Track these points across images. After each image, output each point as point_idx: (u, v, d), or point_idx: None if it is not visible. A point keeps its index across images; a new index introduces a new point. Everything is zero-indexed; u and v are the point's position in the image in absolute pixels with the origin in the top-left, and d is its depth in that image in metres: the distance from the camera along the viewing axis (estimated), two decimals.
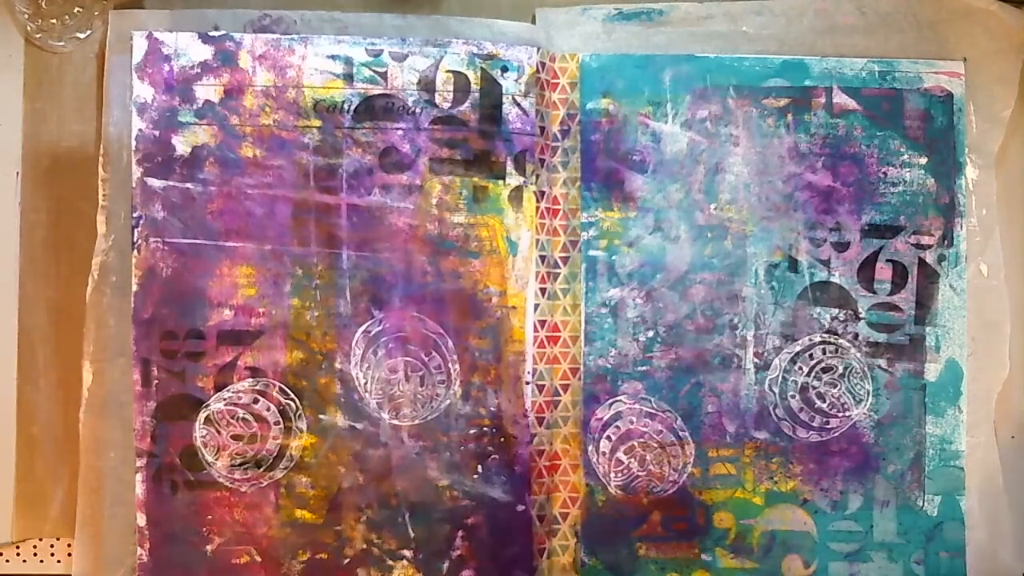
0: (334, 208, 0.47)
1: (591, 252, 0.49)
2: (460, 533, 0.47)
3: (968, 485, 0.49)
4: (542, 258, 0.48)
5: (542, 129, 0.48)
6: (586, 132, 0.49)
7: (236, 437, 0.47)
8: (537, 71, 0.48)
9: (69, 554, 0.50)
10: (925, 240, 0.49)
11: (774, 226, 0.49)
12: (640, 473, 0.48)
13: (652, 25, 0.50)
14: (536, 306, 0.48)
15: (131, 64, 0.47)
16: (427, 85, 0.47)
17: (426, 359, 0.47)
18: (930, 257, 0.49)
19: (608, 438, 0.48)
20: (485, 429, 0.47)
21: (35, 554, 0.50)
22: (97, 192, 0.48)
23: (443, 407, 0.47)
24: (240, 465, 0.47)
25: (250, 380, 0.47)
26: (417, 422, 0.47)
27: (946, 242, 0.49)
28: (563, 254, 0.49)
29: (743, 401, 0.49)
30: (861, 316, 0.49)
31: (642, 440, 0.48)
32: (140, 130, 0.47)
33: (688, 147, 0.49)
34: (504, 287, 0.47)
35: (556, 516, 0.48)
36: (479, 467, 0.47)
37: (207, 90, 0.47)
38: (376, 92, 0.47)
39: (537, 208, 0.48)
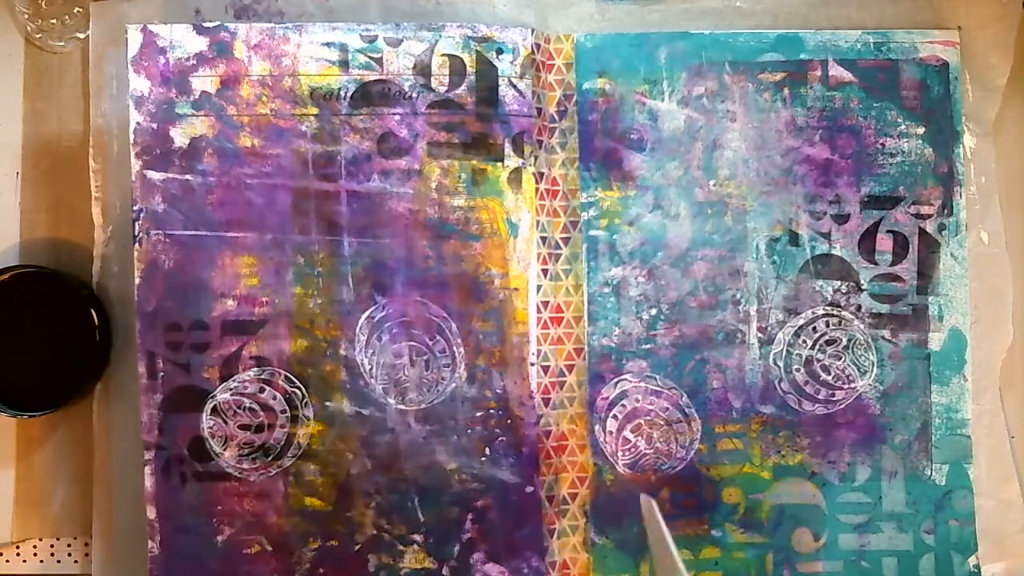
0: (334, 195, 0.47)
1: (592, 232, 0.49)
2: (470, 516, 0.47)
3: (976, 453, 0.49)
4: (543, 239, 0.48)
5: (539, 110, 0.48)
6: (583, 112, 0.49)
7: (243, 427, 0.47)
8: (532, 52, 0.48)
9: (69, 554, 0.50)
10: (925, 210, 0.49)
11: (774, 200, 0.49)
12: (647, 451, 0.48)
13: (646, 3, 0.50)
14: (539, 287, 0.48)
15: (126, 57, 0.47)
16: (423, 69, 0.47)
17: (430, 343, 0.47)
18: (930, 227, 0.49)
19: (614, 417, 0.48)
20: (492, 411, 0.47)
21: (35, 554, 0.50)
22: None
23: (449, 391, 0.47)
24: (248, 455, 0.47)
25: (255, 369, 0.47)
26: (423, 406, 0.47)
27: (946, 211, 0.49)
28: (564, 235, 0.49)
29: (748, 376, 0.49)
30: (863, 288, 0.49)
31: (648, 418, 0.48)
32: (138, 123, 0.47)
33: (685, 124, 0.49)
34: (506, 269, 0.47)
35: (565, 496, 0.48)
36: (487, 450, 0.47)
37: (203, 81, 0.47)
38: (372, 78, 0.47)
39: (536, 189, 0.48)
